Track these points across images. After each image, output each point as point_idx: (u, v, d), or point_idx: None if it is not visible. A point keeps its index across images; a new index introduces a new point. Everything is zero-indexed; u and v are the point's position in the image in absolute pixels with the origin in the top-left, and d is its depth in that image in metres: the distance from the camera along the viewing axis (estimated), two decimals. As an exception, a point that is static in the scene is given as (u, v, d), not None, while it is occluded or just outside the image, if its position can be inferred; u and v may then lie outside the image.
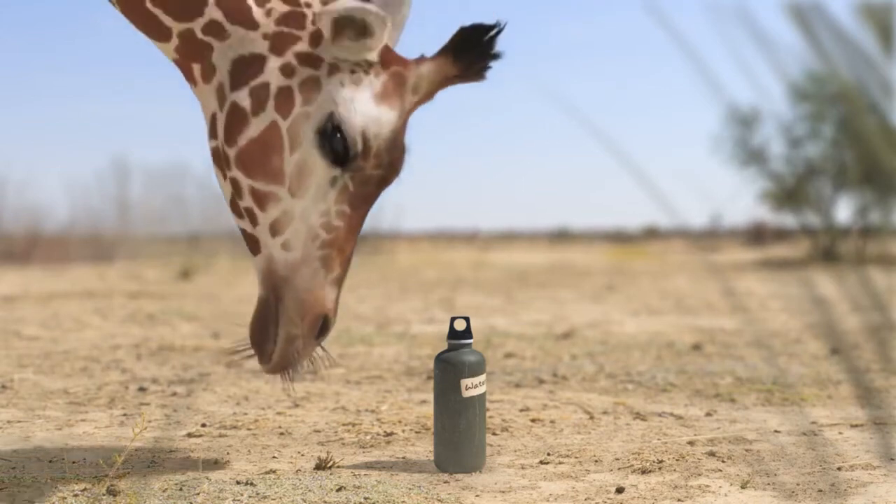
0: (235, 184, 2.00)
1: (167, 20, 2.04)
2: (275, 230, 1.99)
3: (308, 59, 1.99)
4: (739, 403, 2.93)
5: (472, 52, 1.98)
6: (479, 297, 7.47)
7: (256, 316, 2.05)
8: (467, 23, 1.99)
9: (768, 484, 1.99)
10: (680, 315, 5.88)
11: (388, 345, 4.42)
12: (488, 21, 1.98)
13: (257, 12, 2.01)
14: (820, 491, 1.93)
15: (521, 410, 2.82)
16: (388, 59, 2.02)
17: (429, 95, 2.05)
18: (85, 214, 15.93)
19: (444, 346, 2.30)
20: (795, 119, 14.13)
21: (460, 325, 2.12)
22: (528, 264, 13.60)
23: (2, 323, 5.37)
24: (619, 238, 27.81)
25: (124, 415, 2.79)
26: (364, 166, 1.98)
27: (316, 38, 1.99)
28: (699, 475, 2.06)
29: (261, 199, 1.99)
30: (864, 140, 1.13)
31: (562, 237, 30.30)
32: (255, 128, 1.97)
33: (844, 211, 14.47)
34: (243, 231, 2.05)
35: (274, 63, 1.99)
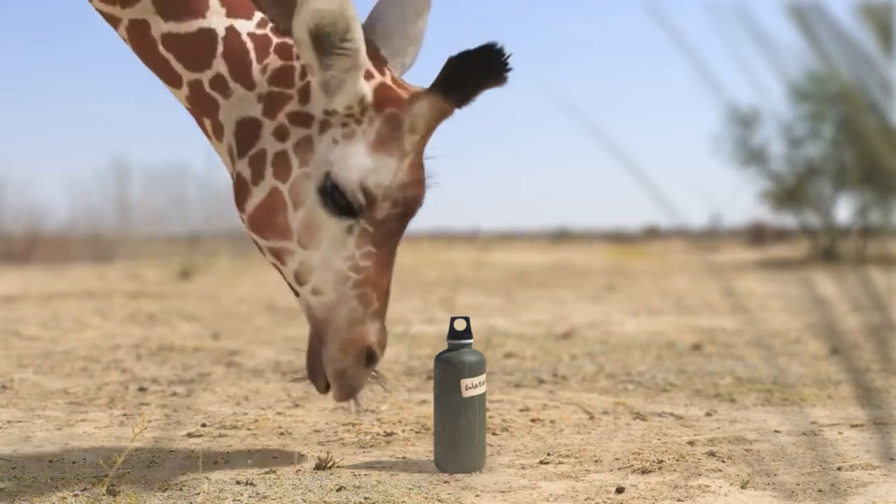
0: (256, 244, 2.09)
1: (178, 67, 2.05)
2: (300, 280, 2.06)
3: (299, 119, 1.99)
4: (739, 403, 2.93)
5: (462, 85, 1.95)
6: (479, 297, 7.47)
7: (307, 352, 2.12)
8: (458, 50, 1.94)
9: (768, 484, 1.99)
10: (680, 315, 5.88)
11: (388, 345, 4.42)
12: (478, 45, 1.92)
13: (255, 70, 2.02)
14: (820, 491, 1.93)
15: (521, 410, 2.82)
16: (384, 98, 2.00)
17: (433, 129, 2.04)
18: (85, 214, 15.93)
19: (445, 346, 2.30)
20: (795, 119, 14.13)
21: (460, 325, 2.12)
22: (528, 264, 13.60)
23: (2, 323, 5.38)
24: (619, 238, 27.80)
25: (124, 415, 2.79)
26: (378, 212, 1.99)
27: (304, 93, 1.99)
28: (699, 475, 2.06)
29: (278, 255, 2.06)
30: (864, 140, 1.13)
31: (562, 237, 30.29)
32: (257, 196, 2.02)
33: (844, 211, 14.48)
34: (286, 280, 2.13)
35: (268, 128, 2.01)
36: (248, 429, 2.58)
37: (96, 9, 2.10)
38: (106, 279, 9.85)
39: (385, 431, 2.53)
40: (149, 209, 16.56)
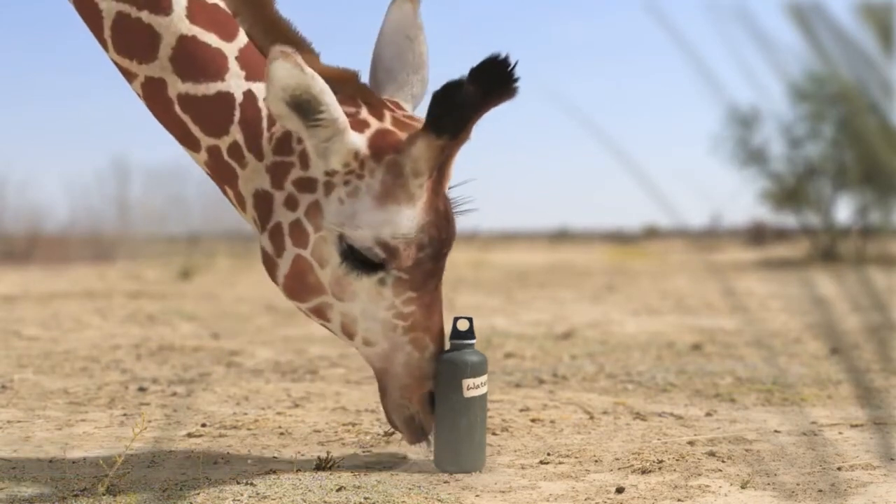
0: (304, 313, 2.07)
1: (195, 130, 2.01)
2: (347, 333, 2.04)
3: (304, 184, 1.97)
4: (739, 403, 2.93)
5: (451, 117, 1.88)
6: (479, 297, 7.47)
7: (382, 402, 2.11)
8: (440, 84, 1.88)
9: (768, 484, 1.99)
10: (680, 315, 5.88)
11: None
12: (456, 77, 1.85)
13: (265, 139, 1.99)
14: (820, 491, 1.93)
15: (521, 410, 2.82)
16: (382, 146, 1.94)
17: (440, 165, 1.96)
18: (85, 214, 15.93)
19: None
20: (795, 119, 14.13)
21: (463, 326, 2.12)
22: (528, 264, 13.60)
23: (2, 323, 5.37)
24: (619, 238, 27.80)
25: (124, 415, 2.79)
26: (404, 261, 1.96)
27: (304, 158, 1.97)
28: (699, 475, 2.06)
29: (321, 314, 2.04)
30: (864, 140, 1.13)
31: (562, 237, 30.29)
32: (284, 267, 2.00)
33: (844, 211, 14.47)
34: None
35: (279, 199, 1.98)
36: (248, 429, 2.58)
37: (112, 60, 2.05)
38: (106, 279, 9.85)
39: (385, 431, 2.53)
40: (149, 209, 16.56)
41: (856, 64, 1.10)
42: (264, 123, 1.99)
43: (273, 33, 2.01)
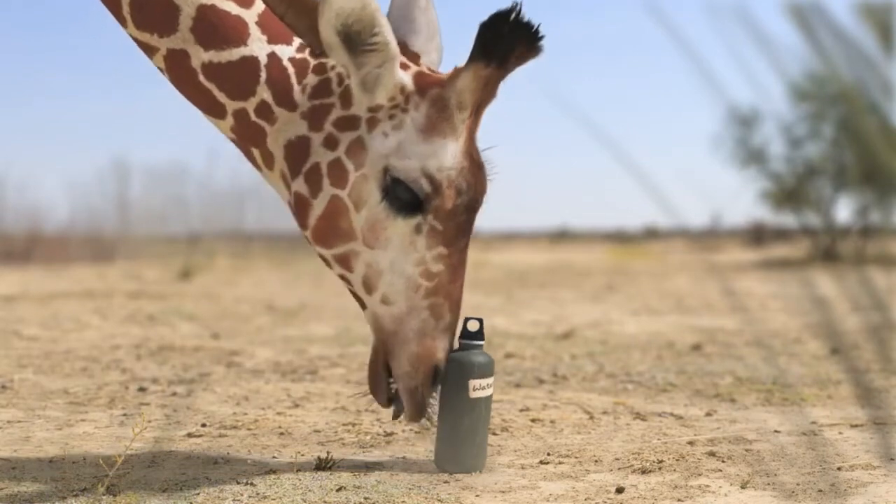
0: (325, 260, 2.05)
1: (221, 97, 2.02)
2: (368, 287, 2.01)
3: (346, 123, 1.97)
4: (739, 403, 2.93)
5: (498, 46, 1.90)
6: (479, 296, 7.47)
7: (370, 365, 2.07)
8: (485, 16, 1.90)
9: (768, 484, 1.99)
10: (680, 315, 5.88)
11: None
12: (503, 7, 1.89)
13: (296, 91, 2.00)
14: (820, 491, 1.93)
15: (521, 410, 2.82)
16: (425, 82, 1.98)
17: (485, 101, 1.99)
18: (85, 214, 15.94)
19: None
20: (795, 119, 14.13)
21: (473, 326, 2.10)
22: (529, 264, 13.60)
23: (2, 323, 5.37)
24: (619, 238, 27.80)
25: (124, 415, 2.79)
26: (443, 202, 1.95)
27: (345, 97, 1.97)
28: (699, 475, 2.06)
29: (345, 262, 2.01)
30: (864, 140, 1.13)
31: (562, 237, 30.30)
32: (318, 208, 1.99)
33: (844, 211, 14.47)
34: (354, 294, 2.08)
35: (317, 141, 1.98)
36: (248, 429, 2.58)
37: (131, 36, 2.06)
38: (106, 279, 9.85)
39: (385, 431, 2.53)
40: (149, 209, 16.57)
41: (856, 64, 1.10)
42: (293, 78, 2.01)
43: (287, 0, 2.03)
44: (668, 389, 3.18)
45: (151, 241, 15.49)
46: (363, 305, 2.06)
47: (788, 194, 14.51)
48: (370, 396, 2.11)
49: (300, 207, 2.01)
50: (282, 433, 2.53)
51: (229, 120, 2.04)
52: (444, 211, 1.95)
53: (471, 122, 1.98)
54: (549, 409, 2.83)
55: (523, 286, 8.87)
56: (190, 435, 2.52)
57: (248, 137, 2.05)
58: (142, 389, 3.20)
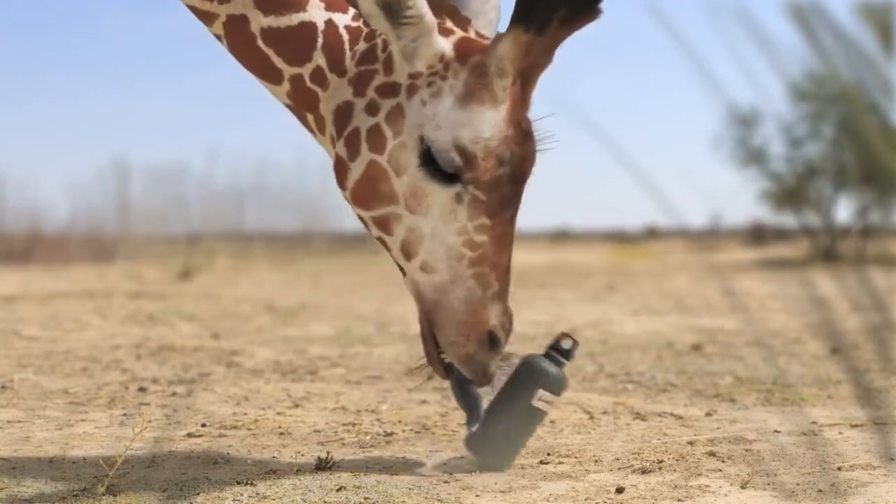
0: (363, 221, 2.03)
1: (278, 62, 2.04)
2: (407, 252, 1.98)
3: (387, 90, 1.96)
4: (739, 403, 2.93)
5: (537, 13, 1.84)
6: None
7: (422, 338, 2.05)
8: None
9: (768, 484, 1.99)
10: (680, 315, 5.88)
11: (388, 345, 4.42)
12: None
13: (347, 57, 2.01)
14: (820, 491, 1.93)
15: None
16: (466, 49, 1.94)
17: (537, 67, 1.92)
18: (85, 214, 15.95)
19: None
20: (795, 119, 14.13)
21: (566, 344, 2.05)
22: (528, 264, 13.60)
23: (2, 323, 5.37)
24: (619, 238, 27.80)
25: (124, 415, 2.79)
26: (481, 173, 1.91)
27: (388, 64, 1.97)
28: (699, 475, 2.06)
29: (384, 224, 1.99)
30: (864, 140, 1.13)
31: (562, 237, 30.29)
32: (356, 171, 1.98)
33: (844, 211, 14.47)
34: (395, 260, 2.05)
35: (359, 106, 1.98)
36: (248, 429, 2.58)
37: (189, 5, 2.08)
38: (106, 279, 9.85)
39: (385, 431, 2.53)
40: (149, 209, 16.57)
41: (856, 64, 1.10)
42: (346, 45, 2.02)
43: None
44: (668, 389, 3.18)
45: (151, 241, 15.49)
46: (403, 271, 2.02)
47: (788, 194, 14.52)
48: (429, 369, 2.08)
49: (339, 169, 2.01)
50: (282, 433, 2.53)
51: (285, 85, 2.05)
52: (485, 181, 1.91)
53: (516, 90, 1.92)
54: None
55: (523, 286, 8.87)
56: (190, 435, 2.52)
57: (303, 103, 2.06)
58: (142, 389, 3.20)
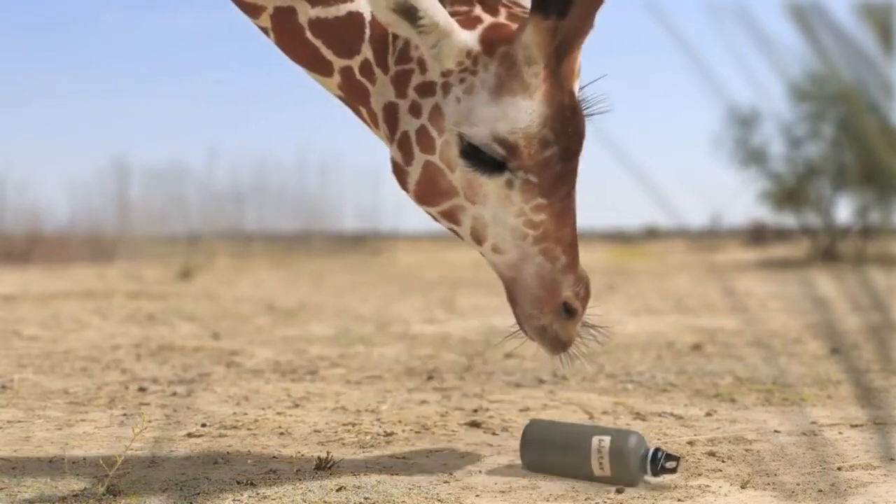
0: (432, 216, 2.05)
1: (328, 53, 2.02)
2: (477, 238, 2.01)
3: (425, 89, 1.95)
4: (739, 403, 2.93)
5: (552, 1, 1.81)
6: (479, 297, 7.47)
7: (511, 306, 2.06)
8: None
9: (768, 484, 1.99)
10: (680, 315, 5.88)
11: (388, 345, 4.42)
12: None
13: (390, 52, 1.99)
14: (820, 491, 1.93)
15: (521, 410, 2.82)
16: (494, 38, 1.91)
17: (572, 39, 1.87)
18: (85, 214, 15.96)
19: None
20: (795, 119, 14.13)
21: (670, 465, 1.97)
22: (528, 264, 13.58)
23: (2, 323, 5.37)
24: (619, 238, 27.80)
25: (124, 415, 2.79)
26: (526, 159, 1.90)
27: (422, 63, 1.96)
28: (699, 475, 2.06)
29: (452, 217, 2.01)
30: (864, 140, 1.13)
31: (562, 237, 30.19)
32: (414, 174, 1.99)
33: (844, 211, 14.47)
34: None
35: (403, 108, 1.98)
36: (248, 429, 2.58)
37: (235, 0, 2.06)
38: (106, 279, 9.85)
39: (385, 431, 2.53)
40: (149, 209, 16.58)
41: (856, 64, 1.10)
42: (391, 38, 2.00)
43: None
44: (668, 389, 3.18)
45: (151, 241, 15.50)
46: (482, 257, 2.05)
47: (788, 194, 14.51)
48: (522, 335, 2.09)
49: (398, 173, 2.02)
50: (282, 433, 2.53)
51: (336, 77, 2.04)
52: (534, 164, 1.90)
53: (548, 72, 1.88)
54: (550, 409, 2.83)
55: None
56: (190, 435, 2.52)
57: (354, 96, 2.05)
58: (142, 389, 3.20)
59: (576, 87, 1.94)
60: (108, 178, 16.39)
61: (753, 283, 8.99)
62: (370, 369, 3.67)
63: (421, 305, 6.62)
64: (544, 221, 1.94)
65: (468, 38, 1.91)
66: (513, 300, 2.03)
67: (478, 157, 1.92)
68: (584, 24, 1.87)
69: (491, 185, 1.94)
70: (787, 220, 15.44)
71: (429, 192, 2.00)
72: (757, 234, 20.93)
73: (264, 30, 2.08)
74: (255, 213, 18.16)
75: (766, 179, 14.69)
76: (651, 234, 28.86)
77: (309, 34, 2.02)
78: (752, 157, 14.54)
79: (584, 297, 2.00)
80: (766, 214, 17.26)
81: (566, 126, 1.90)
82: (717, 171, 15.45)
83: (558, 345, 2.02)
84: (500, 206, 1.95)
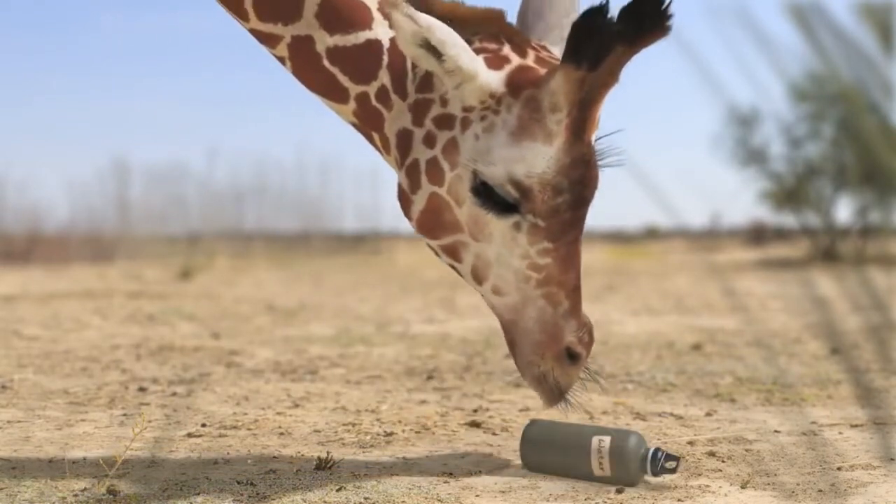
0: (433, 249, 2.03)
1: (344, 80, 2.02)
2: (477, 277, 1.99)
3: (443, 121, 1.94)
4: (739, 403, 2.93)
5: (590, 47, 1.79)
6: (478, 297, 7.47)
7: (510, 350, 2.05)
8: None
9: (768, 484, 1.99)
10: (680, 315, 5.88)
11: (388, 345, 4.42)
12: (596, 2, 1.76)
13: (409, 79, 1.99)
14: (820, 491, 1.93)
15: (521, 410, 2.82)
16: (520, 80, 1.89)
17: (596, 92, 1.86)
18: (85, 214, 15.96)
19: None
20: (795, 119, 14.14)
21: (669, 465, 1.97)
22: (528, 264, 13.59)
23: (2, 323, 5.37)
24: (619, 238, 27.80)
25: (124, 415, 2.79)
26: (538, 204, 1.89)
27: (444, 95, 1.95)
28: (699, 475, 2.06)
29: (453, 252, 2.00)
30: (864, 140, 1.13)
31: (562, 237, 30.20)
32: (419, 203, 1.98)
33: (844, 211, 14.48)
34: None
35: (418, 136, 1.97)
36: (248, 429, 2.58)
37: (252, 29, 2.06)
38: (106, 279, 9.85)
39: (385, 431, 2.53)
40: (149, 209, 16.58)
41: (856, 64, 1.10)
42: (409, 64, 2.00)
43: None
44: (668, 389, 3.18)
45: (151, 241, 15.50)
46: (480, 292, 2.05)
47: (788, 194, 14.52)
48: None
49: (402, 200, 2.01)
50: (282, 433, 2.53)
51: (352, 104, 2.04)
52: (544, 210, 1.90)
53: (571, 121, 1.87)
54: (550, 409, 2.83)
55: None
56: (190, 435, 2.52)
57: (369, 122, 2.05)
58: (142, 389, 3.20)
59: (594, 138, 1.94)
60: (108, 178, 16.40)
61: (753, 283, 8.99)
62: (370, 369, 3.67)
63: (421, 305, 6.62)
64: (549, 265, 1.92)
65: (493, 80, 1.90)
66: (512, 344, 2.01)
67: (489, 195, 1.91)
68: (611, 78, 1.86)
69: (498, 225, 1.92)
70: (787, 220, 15.46)
71: (432, 223, 1.98)
72: (757, 234, 20.94)
73: (281, 59, 2.07)
74: (255, 213, 18.17)
75: (766, 179, 14.71)
76: (651, 234, 28.86)
77: (326, 62, 2.01)
78: (752, 157, 14.55)
79: (588, 343, 1.97)
80: (766, 214, 17.28)
81: (581, 176, 1.90)
82: (717, 171, 15.47)
83: (556, 395, 1.99)
84: (505, 246, 1.93)
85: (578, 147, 1.89)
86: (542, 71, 1.91)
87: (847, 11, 1.13)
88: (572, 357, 1.95)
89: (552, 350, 1.95)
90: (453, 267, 2.04)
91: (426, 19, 1.84)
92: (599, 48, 1.79)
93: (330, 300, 7.20)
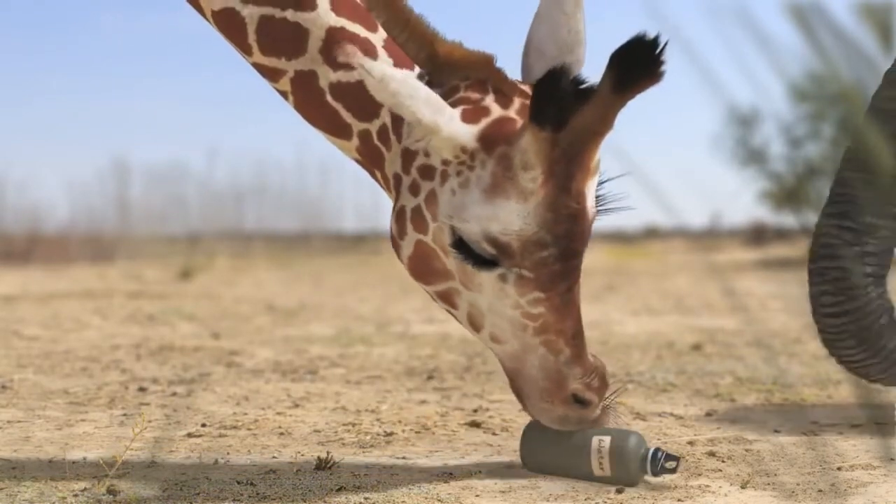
0: (430, 296, 2.02)
1: (347, 117, 2.00)
2: (474, 325, 1.98)
3: (426, 172, 1.92)
4: (739, 403, 2.93)
5: (551, 110, 1.75)
6: (479, 297, 7.47)
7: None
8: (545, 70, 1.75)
9: (768, 484, 1.99)
10: (680, 315, 5.88)
11: (388, 345, 4.42)
12: (559, 63, 1.75)
13: (406, 123, 1.96)
14: (820, 491, 1.93)
15: (521, 410, 2.81)
16: (496, 136, 1.85)
17: (586, 140, 1.81)
18: (85, 214, 15.96)
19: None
20: (795, 119, 14.14)
21: (669, 464, 1.96)
22: (528, 264, 13.58)
23: (2, 323, 5.37)
24: (619, 238, 27.78)
25: (124, 415, 2.79)
26: (520, 259, 1.86)
27: (428, 146, 1.92)
28: (699, 475, 2.06)
29: (448, 299, 1.98)
30: (864, 140, 1.13)
31: (562, 237, 30.16)
32: (406, 249, 1.97)
33: (844, 211, 14.44)
34: None
35: (405, 183, 1.95)
36: (248, 429, 2.58)
37: (255, 63, 2.05)
38: (106, 279, 9.86)
39: (385, 431, 2.53)
40: (149, 209, 16.58)
41: (856, 64, 1.10)
42: None
43: (407, 29, 2.00)
44: (668, 389, 3.18)
45: (151, 241, 15.49)
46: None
47: (788, 194, 14.52)
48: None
49: (393, 244, 2.01)
50: (282, 433, 2.53)
51: (355, 141, 2.02)
52: (528, 263, 1.86)
53: (548, 176, 1.81)
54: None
55: (523, 286, 8.86)
56: (190, 435, 2.52)
57: (371, 159, 2.03)
58: (142, 389, 3.20)
59: (591, 186, 1.89)
60: (108, 178, 16.39)
61: (753, 283, 9.00)
62: (370, 369, 3.67)
63: (421, 305, 6.62)
64: (543, 314, 1.89)
65: (464, 134, 1.86)
66: (518, 392, 1.99)
67: (468, 251, 1.88)
68: (604, 126, 1.82)
69: (483, 277, 1.90)
70: (787, 220, 15.46)
71: (422, 269, 1.97)
72: (757, 234, 20.93)
73: (283, 94, 2.05)
74: (255, 213, 18.17)
75: (766, 179, 14.71)
76: (651, 234, 28.85)
77: (329, 98, 2.00)
78: (752, 157, 14.55)
79: (601, 387, 1.95)
80: (766, 214, 17.28)
81: (567, 231, 1.85)
82: (717, 171, 15.47)
83: (582, 426, 1.99)
84: (496, 297, 1.90)
85: (564, 200, 1.84)
86: (512, 122, 1.87)
87: (847, 11, 1.13)
88: (581, 403, 1.95)
89: (559, 396, 1.94)
90: (451, 313, 2.02)
91: (380, 71, 1.81)
92: (560, 111, 1.76)
93: (330, 300, 7.20)
